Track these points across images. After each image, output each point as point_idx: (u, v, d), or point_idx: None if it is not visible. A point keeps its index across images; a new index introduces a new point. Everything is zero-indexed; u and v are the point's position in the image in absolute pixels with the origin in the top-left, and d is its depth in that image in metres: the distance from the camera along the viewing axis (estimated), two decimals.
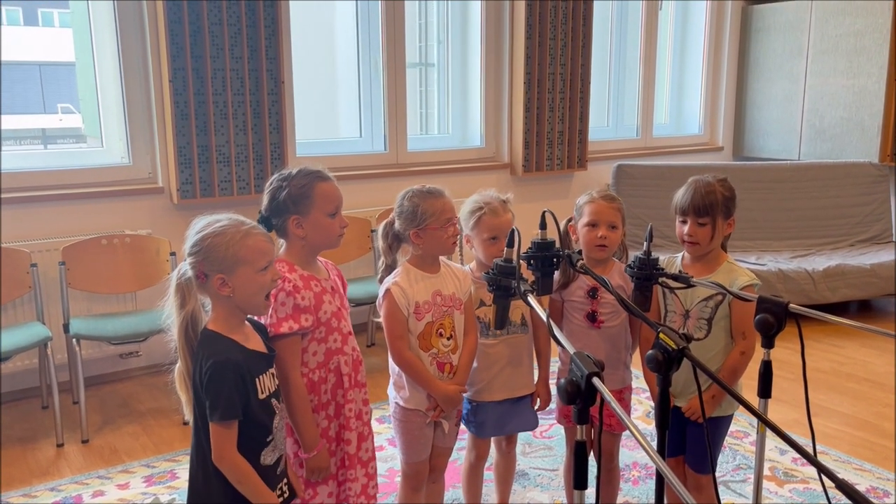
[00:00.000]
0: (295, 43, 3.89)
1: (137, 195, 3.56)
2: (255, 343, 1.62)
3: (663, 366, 1.41)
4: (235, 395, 1.49)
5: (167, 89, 3.43)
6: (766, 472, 2.73)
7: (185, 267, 1.55)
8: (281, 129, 3.76)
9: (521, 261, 1.72)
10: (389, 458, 2.83)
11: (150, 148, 3.61)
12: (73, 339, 3.06)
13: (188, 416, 1.58)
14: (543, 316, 1.39)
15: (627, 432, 2.66)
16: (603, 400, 1.17)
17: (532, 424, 2.24)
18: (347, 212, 4.02)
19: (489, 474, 2.40)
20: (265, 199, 1.83)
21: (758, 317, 1.62)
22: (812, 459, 1.17)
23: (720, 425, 2.08)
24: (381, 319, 2.04)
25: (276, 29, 3.67)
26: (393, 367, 2.06)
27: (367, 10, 4.30)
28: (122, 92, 3.52)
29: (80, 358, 3.05)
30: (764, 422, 1.30)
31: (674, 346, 1.39)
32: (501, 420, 2.18)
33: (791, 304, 1.58)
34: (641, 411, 3.25)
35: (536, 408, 2.22)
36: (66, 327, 3.18)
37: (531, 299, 1.47)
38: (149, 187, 3.59)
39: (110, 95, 3.56)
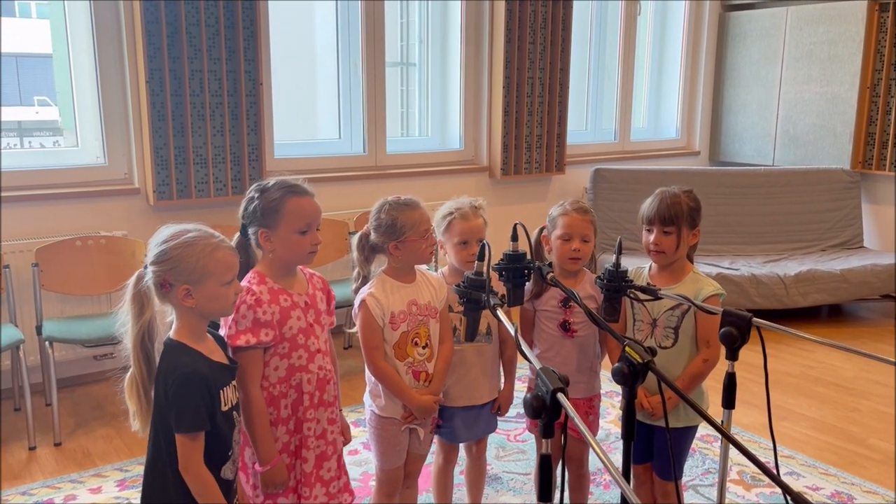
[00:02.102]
0: (274, 44, 3.88)
1: (113, 196, 3.54)
2: (219, 355, 1.63)
3: (629, 378, 1.44)
4: (202, 406, 1.50)
5: (144, 90, 3.41)
6: (733, 475, 2.78)
7: (146, 275, 1.54)
8: (259, 131, 3.75)
9: (492, 272, 1.75)
10: (364, 462, 2.84)
11: (127, 149, 3.59)
12: (46, 342, 3.04)
13: (136, 425, 1.58)
14: (511, 330, 1.41)
15: (600, 436, 2.71)
16: (568, 415, 1.20)
17: (493, 428, 2.30)
18: (326, 214, 4.04)
19: (462, 478, 2.43)
20: (241, 207, 1.83)
21: (722, 330, 1.66)
22: (769, 473, 1.20)
23: (686, 435, 2.12)
24: (355, 330, 2.05)
25: (255, 30, 3.66)
26: (369, 375, 2.08)
27: (347, 11, 4.30)
28: (97, 92, 3.50)
29: (52, 360, 3.03)
30: (726, 436, 1.34)
31: (639, 360, 1.42)
32: (466, 425, 2.21)
33: (754, 319, 1.61)
34: (614, 415, 3.29)
35: (497, 413, 2.27)
36: (38, 329, 3.15)
37: (500, 313, 1.50)
38: (125, 188, 3.57)
39: (86, 96, 3.53)
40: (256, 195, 1.78)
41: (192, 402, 1.49)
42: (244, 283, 1.78)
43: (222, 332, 1.74)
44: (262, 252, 1.83)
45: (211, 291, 1.54)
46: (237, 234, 1.83)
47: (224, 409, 1.57)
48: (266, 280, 1.80)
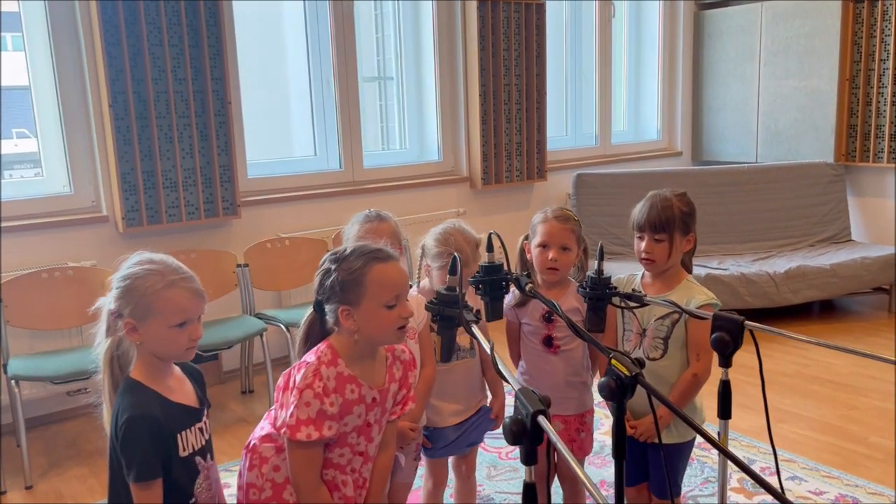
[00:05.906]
0: (242, 62, 3.79)
1: (80, 225, 3.42)
2: (182, 394, 1.50)
3: (617, 393, 1.34)
4: (152, 452, 1.38)
5: (107, 114, 3.30)
6: (734, 483, 2.68)
7: (109, 298, 1.45)
8: (230, 151, 3.65)
9: (469, 286, 1.65)
10: None
11: (93, 175, 3.48)
12: (12, 381, 2.91)
13: (108, 427, 1.47)
14: (487, 348, 1.32)
15: (594, 449, 2.60)
16: (549, 440, 1.10)
17: (487, 428, 2.20)
18: (304, 233, 3.93)
19: (452, 501, 2.33)
20: (315, 281, 1.57)
21: (714, 335, 1.56)
22: (766, 486, 1.10)
23: (680, 451, 2.02)
24: None
25: (221, 48, 3.56)
26: None
27: (317, 26, 4.21)
28: (59, 118, 3.39)
29: (19, 400, 2.90)
30: (722, 451, 1.25)
31: (627, 373, 1.32)
32: (458, 439, 2.14)
33: (746, 322, 1.52)
34: (608, 426, 3.19)
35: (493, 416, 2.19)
36: (4, 368, 3.02)
37: (475, 330, 1.40)
38: (92, 216, 3.45)
39: (49, 122, 3.42)
40: (332, 266, 1.52)
41: (139, 449, 1.38)
42: (312, 355, 1.53)
43: (280, 413, 1.51)
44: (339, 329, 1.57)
45: (157, 332, 1.42)
46: (309, 311, 1.61)
47: (183, 454, 1.45)
48: (338, 361, 1.54)
